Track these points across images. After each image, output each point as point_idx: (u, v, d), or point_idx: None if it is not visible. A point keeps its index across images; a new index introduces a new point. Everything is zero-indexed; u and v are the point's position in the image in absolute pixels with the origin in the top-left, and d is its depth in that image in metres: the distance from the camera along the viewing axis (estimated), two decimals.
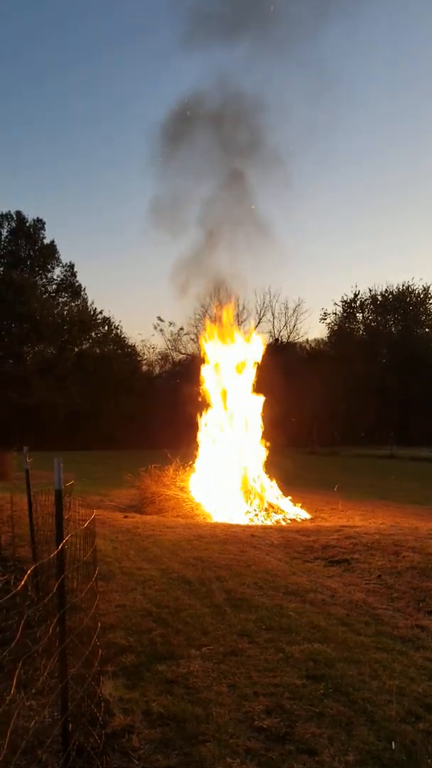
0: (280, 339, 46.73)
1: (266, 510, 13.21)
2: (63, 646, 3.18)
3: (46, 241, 47.17)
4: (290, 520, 12.69)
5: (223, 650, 5.12)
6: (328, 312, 48.93)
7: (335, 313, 48.95)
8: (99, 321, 46.97)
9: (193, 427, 15.35)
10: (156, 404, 38.48)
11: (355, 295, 48.56)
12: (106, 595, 6.48)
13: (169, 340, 47.71)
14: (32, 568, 4.00)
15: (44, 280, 47.52)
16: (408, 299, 47.44)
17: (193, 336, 45.54)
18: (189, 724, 3.90)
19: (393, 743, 3.70)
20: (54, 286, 47.94)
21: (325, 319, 49.04)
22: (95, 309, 47.09)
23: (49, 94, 74.46)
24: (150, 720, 3.96)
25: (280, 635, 5.45)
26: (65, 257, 48.35)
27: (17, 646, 4.21)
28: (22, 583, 2.76)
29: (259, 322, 45.26)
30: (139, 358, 48.44)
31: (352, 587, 7.02)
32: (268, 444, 14.80)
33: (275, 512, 13.13)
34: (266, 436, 14.88)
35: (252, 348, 15.25)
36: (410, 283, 47.52)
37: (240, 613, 6.02)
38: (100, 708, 3.94)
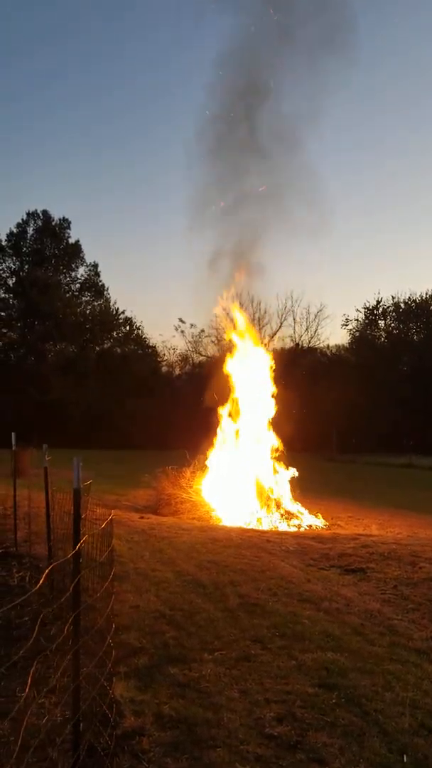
0: (300, 344, 46.54)
1: (282, 516, 13.16)
2: (77, 646, 3.19)
3: (72, 240, 47.49)
4: (306, 526, 12.63)
5: (235, 655, 5.10)
6: (350, 318, 48.63)
7: (357, 320, 48.60)
8: (121, 321, 47.15)
9: (212, 430, 15.35)
10: (175, 405, 38.48)
11: (378, 302, 48.15)
12: (119, 595, 6.50)
13: (189, 341, 47.65)
14: (50, 567, 4.02)
15: (68, 279, 47.77)
16: (431, 308, 46.98)
17: (214, 338, 45.54)
18: (200, 729, 3.89)
19: (405, 756, 3.66)
20: (77, 285, 48.18)
21: (346, 326, 48.69)
22: (117, 309, 47.29)
23: (72, 92, 74.81)
24: (161, 723, 3.96)
25: (294, 642, 5.42)
26: (89, 257, 48.69)
27: (31, 644, 4.24)
28: (41, 582, 2.78)
29: (280, 326, 45.14)
30: (159, 359, 48.52)
31: (368, 597, 6.96)
32: (285, 449, 14.75)
33: (291, 518, 13.08)
34: (284, 441, 14.84)
35: (270, 353, 15.30)
36: None
37: (253, 619, 6.00)
38: (111, 709, 3.95)
